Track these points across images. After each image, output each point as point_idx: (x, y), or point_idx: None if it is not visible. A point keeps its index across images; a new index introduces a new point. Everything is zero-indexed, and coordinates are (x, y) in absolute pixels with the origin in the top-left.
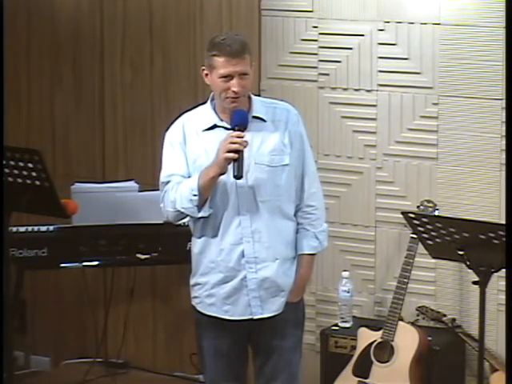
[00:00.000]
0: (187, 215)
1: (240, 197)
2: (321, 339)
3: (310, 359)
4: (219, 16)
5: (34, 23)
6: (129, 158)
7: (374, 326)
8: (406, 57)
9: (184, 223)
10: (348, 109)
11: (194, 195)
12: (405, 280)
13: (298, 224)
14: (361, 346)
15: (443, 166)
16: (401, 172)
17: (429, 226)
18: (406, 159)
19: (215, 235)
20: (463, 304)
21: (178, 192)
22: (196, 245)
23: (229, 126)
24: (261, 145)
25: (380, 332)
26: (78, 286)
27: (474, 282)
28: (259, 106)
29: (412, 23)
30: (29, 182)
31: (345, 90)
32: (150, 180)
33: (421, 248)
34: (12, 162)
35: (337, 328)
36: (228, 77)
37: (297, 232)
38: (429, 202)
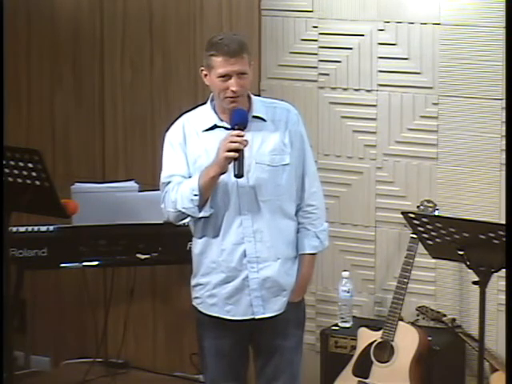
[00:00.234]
0: (188, 215)
1: (241, 197)
2: (321, 339)
3: (310, 359)
4: (219, 16)
5: (34, 23)
6: (129, 158)
7: (374, 325)
8: (406, 57)
9: (184, 223)
10: (348, 109)
11: (195, 195)
12: (405, 280)
13: (298, 223)
14: (361, 345)
15: (443, 166)
16: (401, 172)
17: (429, 226)
18: (405, 159)
19: (216, 235)
20: (463, 304)
21: (178, 192)
22: (197, 245)
23: (229, 126)
24: (261, 144)
25: (380, 332)
26: (77, 286)
27: (474, 282)
28: (259, 105)
29: (412, 23)
30: (29, 181)
31: (345, 90)
32: (150, 180)
33: (421, 248)
34: (12, 162)
35: (337, 328)
36: (226, 76)
37: (298, 231)
38: (429, 201)
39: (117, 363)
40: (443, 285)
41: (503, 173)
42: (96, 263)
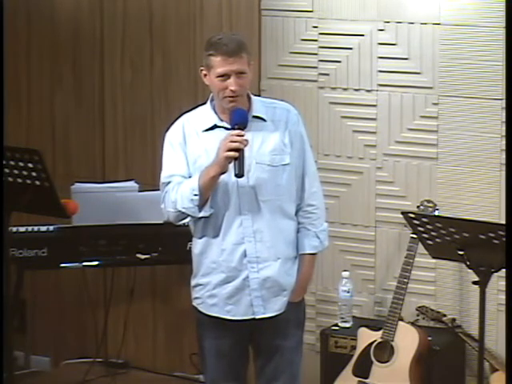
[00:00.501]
0: (188, 215)
1: (241, 197)
2: (321, 339)
3: (310, 359)
4: (219, 16)
5: (34, 23)
6: (129, 158)
7: (374, 325)
8: (406, 57)
9: (184, 223)
10: (348, 109)
11: (195, 195)
12: (405, 280)
13: (298, 223)
14: (361, 345)
15: (443, 166)
16: (401, 172)
17: (429, 226)
18: (405, 159)
19: (216, 235)
20: (463, 304)
21: (178, 192)
22: (197, 245)
23: (229, 126)
24: (261, 144)
25: (380, 332)
26: (77, 286)
27: (474, 282)
28: (259, 105)
29: (412, 23)
30: (29, 182)
31: (345, 90)
32: (150, 180)
33: (421, 248)
34: (12, 162)
35: (337, 328)
36: (225, 76)
37: (298, 231)
38: (429, 201)
39: (117, 363)
40: (443, 285)
41: (503, 173)
42: (96, 263)
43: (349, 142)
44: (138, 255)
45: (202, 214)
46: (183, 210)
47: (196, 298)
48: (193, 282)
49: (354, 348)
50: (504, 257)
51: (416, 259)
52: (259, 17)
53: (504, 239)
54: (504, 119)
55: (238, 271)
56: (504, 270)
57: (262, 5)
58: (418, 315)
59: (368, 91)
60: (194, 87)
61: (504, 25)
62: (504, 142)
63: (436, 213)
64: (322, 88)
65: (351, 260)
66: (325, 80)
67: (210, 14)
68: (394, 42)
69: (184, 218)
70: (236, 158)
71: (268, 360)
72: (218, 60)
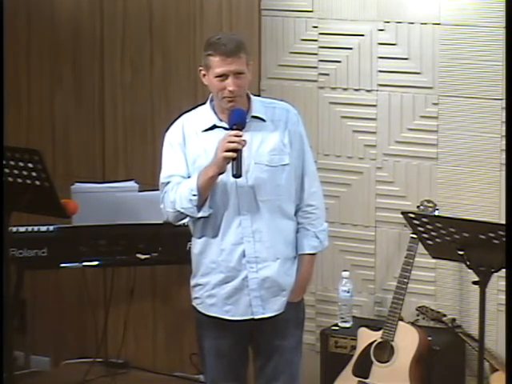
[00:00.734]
0: (187, 215)
1: (240, 197)
2: (321, 339)
3: (310, 359)
4: (219, 16)
5: (34, 23)
6: (129, 158)
7: (374, 325)
8: (406, 57)
9: (184, 223)
10: (348, 109)
11: (194, 195)
12: (405, 280)
13: (298, 224)
14: (361, 345)
15: (443, 166)
16: (401, 172)
17: (429, 226)
18: (405, 159)
19: (216, 235)
20: (463, 304)
21: (177, 192)
22: (196, 245)
23: (228, 126)
24: (260, 144)
25: (380, 332)
26: (77, 286)
27: (474, 282)
28: (258, 105)
29: (412, 23)
30: (29, 182)
31: (345, 90)
32: (150, 180)
33: (421, 248)
34: (12, 162)
35: (337, 328)
36: (223, 76)
37: (297, 232)
38: (429, 201)
39: (117, 363)
40: (443, 285)
41: (503, 173)
42: (96, 263)
43: (349, 142)
44: (138, 255)
45: (200, 215)
46: (182, 210)
47: (195, 297)
48: (192, 282)
49: (354, 348)
50: (504, 257)
51: (416, 259)
52: (259, 17)
53: (504, 239)
54: (504, 119)
55: (236, 271)
56: (504, 269)
57: (262, 5)
58: (418, 315)
59: (368, 91)
60: (193, 87)
61: (504, 25)
62: (504, 142)
63: (436, 213)
64: (321, 88)
65: (351, 260)
66: (325, 80)
67: (210, 14)
68: (394, 42)
69: (183, 218)
70: (234, 158)
71: (267, 360)
72: (217, 60)
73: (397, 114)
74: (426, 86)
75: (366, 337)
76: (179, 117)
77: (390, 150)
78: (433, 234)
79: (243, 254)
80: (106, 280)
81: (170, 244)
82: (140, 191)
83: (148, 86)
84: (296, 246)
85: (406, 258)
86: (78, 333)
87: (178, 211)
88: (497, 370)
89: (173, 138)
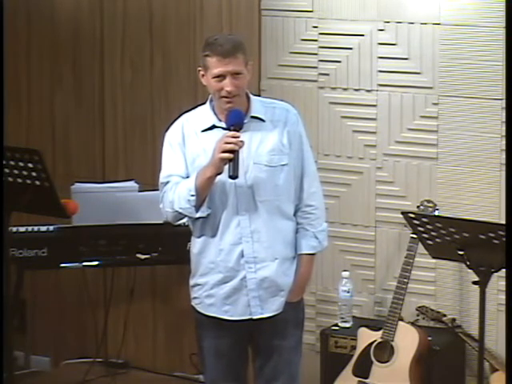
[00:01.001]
0: (186, 216)
1: (239, 197)
2: (321, 339)
3: (310, 359)
4: (219, 16)
5: (34, 23)
6: (129, 158)
7: (374, 325)
8: (406, 57)
9: (184, 223)
10: (348, 109)
11: (192, 195)
12: (405, 280)
13: (297, 224)
14: (361, 345)
15: (443, 166)
16: (401, 172)
17: (429, 226)
18: (405, 159)
19: (214, 235)
20: (463, 304)
21: (176, 192)
22: (195, 245)
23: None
24: (259, 145)
25: (380, 332)
26: (77, 286)
27: (474, 282)
28: (258, 105)
29: (412, 23)
30: (29, 182)
31: (345, 90)
32: (150, 180)
33: (421, 248)
34: (12, 162)
35: (337, 328)
36: (221, 76)
37: (296, 232)
38: (429, 201)
39: (117, 363)
40: (443, 285)
41: (503, 173)
42: (96, 263)
43: (349, 142)
44: (138, 255)
45: (199, 215)
46: (180, 211)
47: (194, 297)
48: (191, 282)
49: (354, 348)
50: (504, 257)
51: (416, 259)
52: (259, 17)
53: (504, 239)
54: (504, 119)
55: (235, 271)
56: (504, 269)
57: (262, 5)
58: (418, 315)
59: (368, 91)
60: (193, 87)
61: (504, 25)
62: (504, 142)
63: (436, 213)
64: (322, 88)
65: (351, 260)
66: (325, 80)
67: (210, 14)
68: (394, 42)
69: (182, 218)
70: (231, 159)
71: (267, 360)
72: (214, 61)
73: (397, 114)
74: (426, 86)
75: (366, 337)
76: (179, 117)
77: (390, 150)
78: (433, 234)
79: (242, 254)
80: (106, 280)
81: (170, 244)
82: (140, 191)
83: (148, 86)
84: (295, 246)
85: (405, 258)
86: (78, 333)
87: (177, 211)
88: (497, 369)
89: (172, 138)
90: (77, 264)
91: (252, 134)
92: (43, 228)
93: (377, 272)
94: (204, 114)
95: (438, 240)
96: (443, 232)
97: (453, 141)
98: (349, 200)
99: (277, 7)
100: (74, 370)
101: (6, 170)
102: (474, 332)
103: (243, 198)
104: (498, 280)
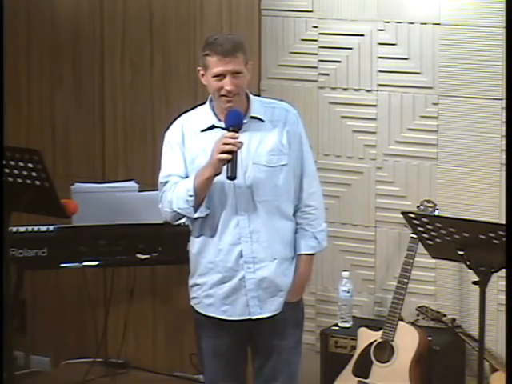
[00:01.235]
0: (184, 216)
1: (238, 197)
2: (321, 339)
3: (310, 359)
4: (219, 16)
5: (34, 23)
6: (129, 158)
7: (374, 325)
8: (406, 57)
9: (184, 223)
10: (348, 109)
11: (190, 196)
12: (405, 280)
13: (297, 224)
14: (361, 345)
15: (443, 166)
16: (401, 172)
17: (429, 226)
18: (405, 159)
19: (213, 235)
20: (463, 304)
21: (174, 192)
22: (194, 245)
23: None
24: (259, 145)
25: (380, 332)
26: (77, 286)
27: (474, 282)
28: (257, 106)
29: (412, 23)
30: (29, 182)
31: (345, 90)
32: (150, 180)
33: (421, 248)
34: (12, 162)
35: (337, 328)
36: (220, 76)
37: (296, 232)
38: (429, 202)
39: (117, 363)
40: (443, 285)
41: (503, 173)
42: (96, 263)
43: (349, 142)
44: (138, 255)
45: (197, 215)
46: (179, 211)
47: (193, 297)
48: (190, 282)
49: (354, 348)
50: (504, 257)
51: (416, 259)
52: (259, 17)
53: (504, 239)
54: (504, 119)
55: (234, 271)
56: (504, 269)
57: (262, 5)
58: (418, 315)
59: (368, 91)
60: (194, 87)
61: (504, 25)
62: (504, 142)
63: (436, 213)
64: (322, 88)
65: (351, 260)
66: (325, 80)
67: (210, 14)
68: (394, 42)
69: (180, 218)
70: (229, 160)
71: (266, 360)
72: (214, 60)
73: (397, 114)
74: (426, 86)
75: (366, 337)
76: (179, 116)
77: (390, 150)
78: (433, 234)
79: (240, 255)
80: (106, 280)
81: (170, 244)
82: (140, 191)
83: (148, 86)
84: (294, 247)
85: (405, 258)
86: (78, 333)
87: (175, 211)
88: (497, 369)
89: (172, 138)
90: (77, 264)
91: (251, 134)
92: (43, 228)
93: (377, 272)
94: (203, 114)
95: (438, 240)
96: (443, 232)
97: (453, 141)
98: (349, 200)
99: (277, 7)
100: (74, 369)
101: (6, 170)
102: (474, 332)
103: (242, 198)
104: (498, 280)
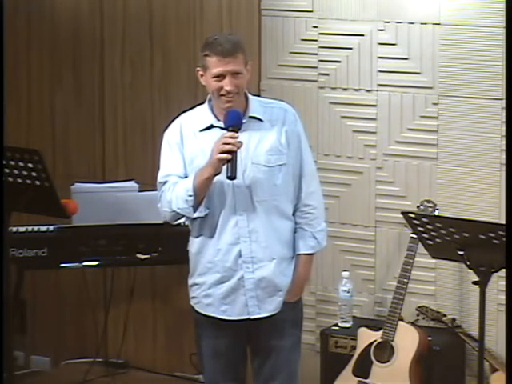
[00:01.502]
0: (183, 215)
1: (237, 197)
2: (321, 339)
3: (310, 359)
4: (219, 16)
5: (34, 23)
6: (129, 158)
7: (374, 325)
8: (406, 57)
9: (183, 223)
10: (348, 109)
11: (190, 196)
12: (405, 280)
13: (296, 224)
14: (361, 345)
15: (443, 166)
16: (401, 172)
17: (429, 226)
18: (405, 159)
19: (212, 235)
20: (463, 304)
21: (173, 192)
22: (194, 244)
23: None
24: (258, 144)
25: (380, 332)
26: (77, 286)
27: (474, 282)
28: (256, 105)
29: (412, 23)
30: (29, 182)
31: (345, 90)
32: (149, 180)
33: (421, 248)
34: (12, 162)
35: (337, 328)
36: (220, 76)
37: (295, 232)
38: (429, 201)
39: (117, 363)
40: (443, 285)
41: (503, 173)
42: (96, 263)
43: (349, 142)
44: (138, 255)
45: (196, 215)
46: (178, 211)
47: (193, 297)
48: (190, 282)
49: (354, 348)
50: (504, 257)
51: (416, 259)
52: (259, 17)
53: (504, 239)
54: (504, 119)
55: (233, 271)
56: (504, 269)
57: (262, 5)
58: (418, 315)
59: (368, 91)
60: (194, 87)
61: (504, 25)
62: (504, 142)
63: (436, 213)
64: (322, 88)
65: (351, 260)
66: (325, 80)
67: (210, 14)
68: (394, 42)
69: (180, 218)
70: (229, 160)
71: (265, 360)
72: (214, 60)
73: (397, 114)
74: (426, 86)
75: (366, 337)
76: (178, 116)
77: (390, 150)
78: (433, 234)
79: (239, 254)
80: (106, 280)
81: (170, 244)
82: (140, 191)
83: (148, 86)
84: (293, 246)
85: (406, 257)
86: (78, 333)
87: (175, 211)
88: (497, 369)
89: (171, 138)
90: (77, 264)
91: (250, 134)
92: (43, 228)
93: (377, 272)
94: (202, 114)
95: (438, 240)
96: (443, 232)
97: (453, 141)
98: (349, 200)
99: (277, 7)
100: (74, 369)
101: (6, 170)
102: (474, 332)
103: (241, 198)
104: (498, 280)
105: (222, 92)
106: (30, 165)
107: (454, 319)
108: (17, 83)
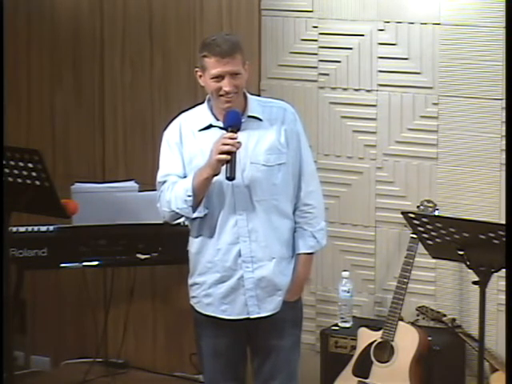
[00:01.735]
0: (183, 215)
1: (236, 196)
2: (321, 339)
3: (310, 359)
4: (219, 16)
5: (34, 23)
6: (129, 158)
7: (374, 325)
8: (406, 57)
9: (183, 223)
10: (348, 109)
11: (189, 196)
12: (405, 280)
13: (295, 223)
14: (361, 345)
15: (443, 166)
16: (401, 172)
17: (429, 226)
18: (405, 159)
19: (212, 235)
20: (463, 304)
21: (173, 192)
22: (193, 244)
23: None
24: (257, 144)
25: (380, 332)
26: (77, 286)
27: (474, 282)
28: (255, 105)
29: (412, 23)
30: (29, 182)
31: (345, 90)
32: (149, 180)
33: (421, 248)
34: (12, 162)
35: (337, 328)
36: (219, 77)
37: (294, 231)
38: (429, 201)
39: (117, 363)
40: (443, 285)
41: (503, 173)
42: (96, 263)
43: (349, 142)
44: (138, 255)
45: (195, 215)
46: (177, 211)
47: (193, 297)
48: (190, 281)
49: (354, 348)
50: (504, 257)
51: (416, 259)
52: (259, 17)
53: (504, 239)
54: (504, 119)
55: (232, 271)
56: (504, 269)
57: (262, 5)
58: (418, 315)
59: (368, 91)
60: (194, 87)
61: (504, 25)
62: (504, 142)
63: (436, 213)
64: (322, 88)
65: (351, 260)
66: (325, 80)
67: (210, 14)
68: (394, 42)
69: (179, 218)
70: (228, 160)
71: (265, 359)
72: (212, 61)
73: (397, 114)
74: (426, 86)
75: (366, 337)
76: (177, 116)
77: (390, 150)
78: (433, 234)
79: (239, 254)
80: (106, 280)
81: (170, 244)
82: (140, 191)
83: (148, 86)
84: (293, 246)
85: (406, 257)
86: (78, 333)
87: (174, 211)
88: (497, 369)
89: (170, 138)
90: (77, 264)
91: (249, 134)
92: (43, 228)
93: (377, 272)
94: (201, 114)
95: (438, 240)
96: (443, 232)
97: (453, 141)
98: (349, 200)
99: (277, 7)
100: (74, 369)
101: (6, 170)
102: (474, 332)
103: (240, 198)
104: (498, 280)
105: (221, 92)
106: (30, 165)
107: (454, 319)
108: (17, 83)
